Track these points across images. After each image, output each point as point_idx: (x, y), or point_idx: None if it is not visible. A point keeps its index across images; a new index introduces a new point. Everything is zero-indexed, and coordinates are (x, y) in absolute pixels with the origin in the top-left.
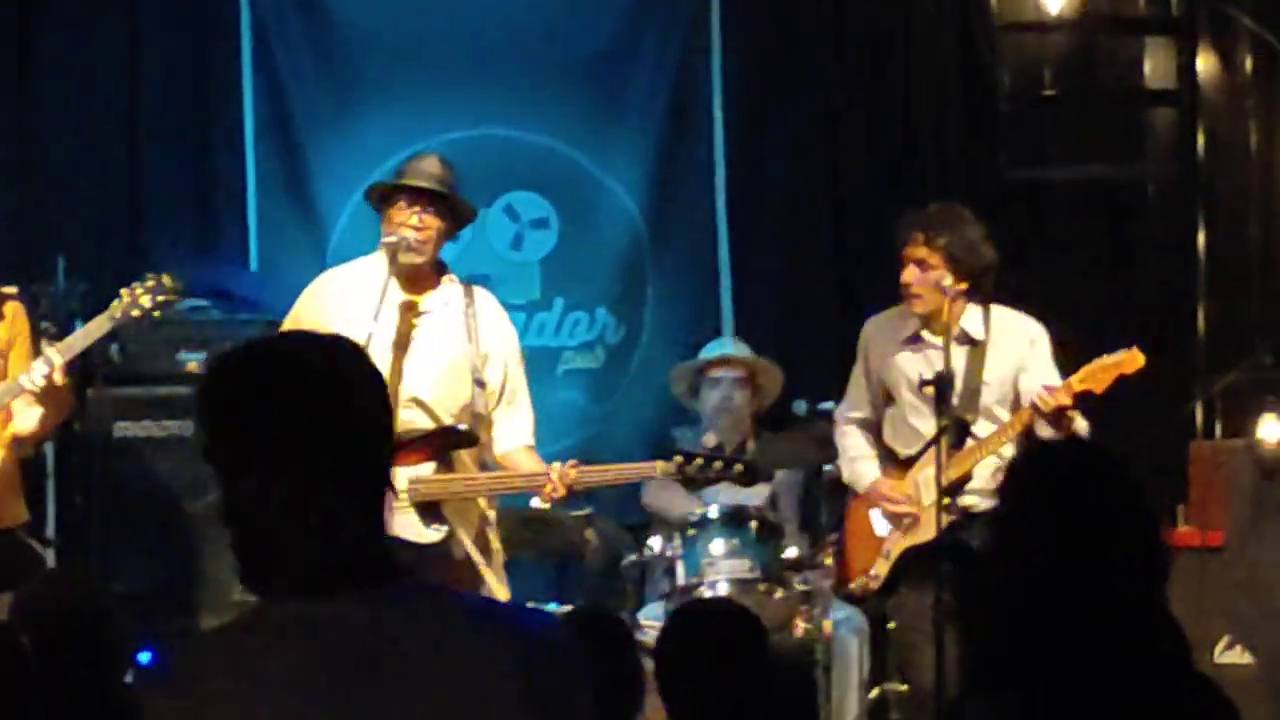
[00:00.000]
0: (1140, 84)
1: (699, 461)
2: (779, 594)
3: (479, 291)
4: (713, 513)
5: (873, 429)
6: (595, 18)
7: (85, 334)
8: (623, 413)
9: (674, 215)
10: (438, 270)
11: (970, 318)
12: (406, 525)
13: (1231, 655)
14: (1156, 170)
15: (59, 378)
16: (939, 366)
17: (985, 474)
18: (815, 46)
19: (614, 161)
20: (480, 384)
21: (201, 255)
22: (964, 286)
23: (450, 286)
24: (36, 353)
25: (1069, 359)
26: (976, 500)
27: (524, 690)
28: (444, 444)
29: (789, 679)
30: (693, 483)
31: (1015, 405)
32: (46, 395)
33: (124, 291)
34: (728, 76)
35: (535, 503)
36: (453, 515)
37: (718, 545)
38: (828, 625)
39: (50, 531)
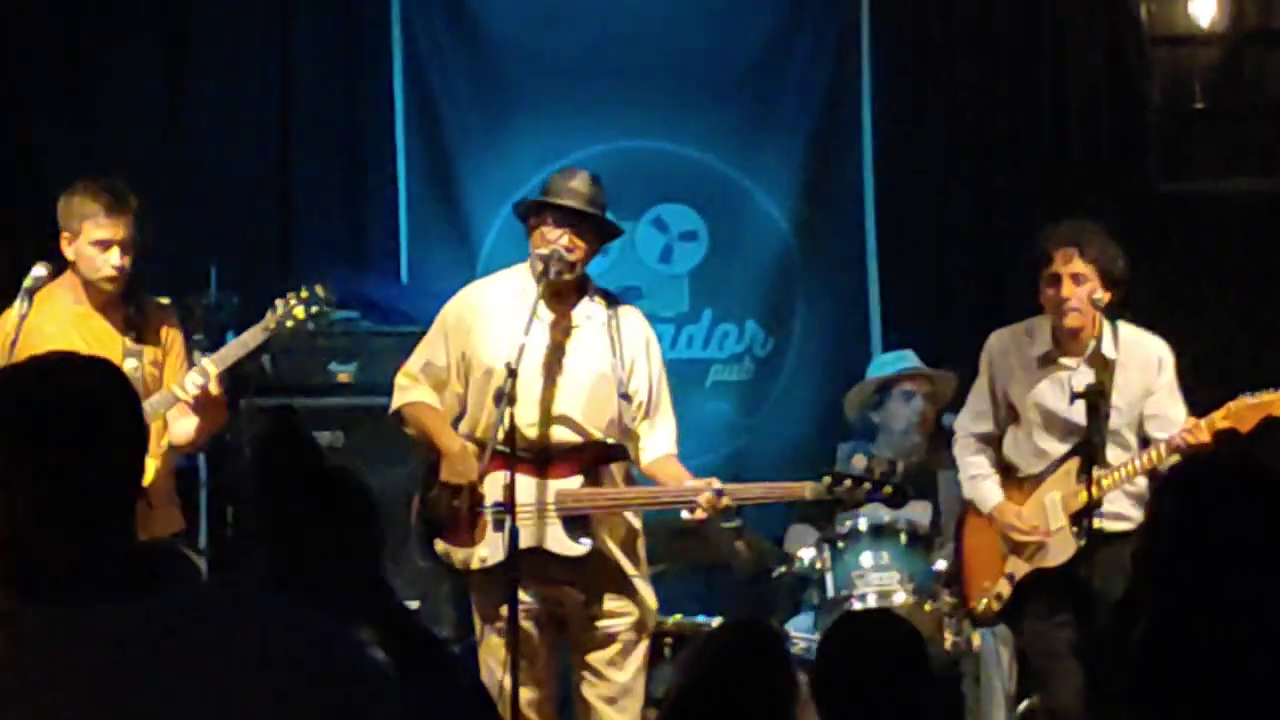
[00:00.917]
0: None
1: (848, 483)
2: (928, 607)
3: (621, 304)
4: (862, 525)
5: (994, 443)
6: (747, 31)
7: (240, 344)
8: (771, 425)
9: (823, 228)
10: (582, 284)
11: (1105, 335)
12: (554, 538)
13: None
14: None
15: (214, 388)
16: (1072, 388)
17: (1118, 497)
18: (965, 58)
19: (763, 174)
20: (626, 398)
21: (352, 267)
22: (1109, 298)
23: (593, 300)
24: (190, 364)
25: (1199, 378)
26: (1108, 523)
27: (278, 699)
28: (592, 458)
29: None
30: (841, 504)
31: (1139, 428)
32: (201, 406)
33: (278, 302)
34: (877, 89)
35: (685, 514)
36: (600, 527)
37: (867, 558)
38: (976, 638)
39: (202, 542)
